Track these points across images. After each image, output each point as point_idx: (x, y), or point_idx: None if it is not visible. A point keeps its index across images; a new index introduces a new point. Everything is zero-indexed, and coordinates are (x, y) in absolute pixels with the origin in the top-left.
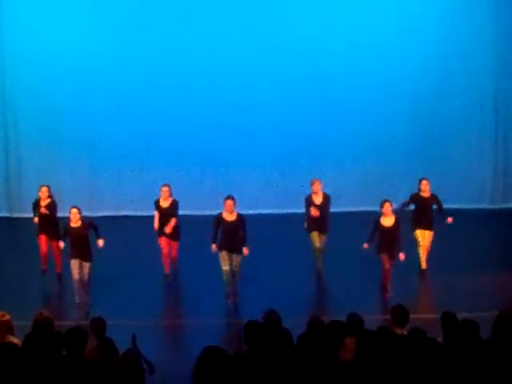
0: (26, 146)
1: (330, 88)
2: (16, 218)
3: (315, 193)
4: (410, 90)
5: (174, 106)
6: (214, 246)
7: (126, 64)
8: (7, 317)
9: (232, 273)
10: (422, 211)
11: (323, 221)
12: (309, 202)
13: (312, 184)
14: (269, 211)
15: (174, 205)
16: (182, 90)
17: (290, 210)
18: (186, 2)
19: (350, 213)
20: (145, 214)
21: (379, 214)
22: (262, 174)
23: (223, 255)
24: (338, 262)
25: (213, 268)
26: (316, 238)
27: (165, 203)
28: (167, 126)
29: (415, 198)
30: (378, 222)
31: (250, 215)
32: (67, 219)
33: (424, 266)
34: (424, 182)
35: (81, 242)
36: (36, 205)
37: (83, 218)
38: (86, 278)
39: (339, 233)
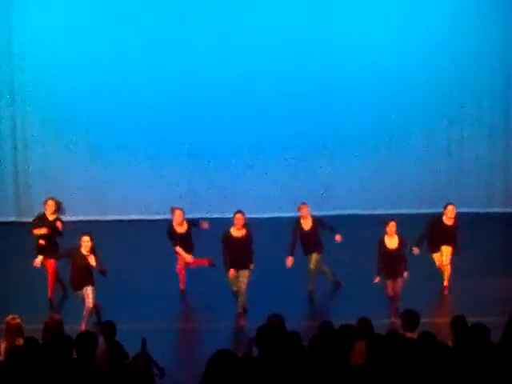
0: (35, 150)
1: (335, 88)
2: (24, 223)
3: (303, 217)
4: (418, 93)
5: (184, 114)
6: (231, 271)
7: (135, 76)
8: (17, 320)
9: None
10: (443, 236)
11: (315, 242)
12: (297, 228)
13: (299, 209)
14: (277, 214)
15: (190, 228)
16: (188, 96)
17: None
18: None
19: (357, 215)
20: (158, 217)
21: (383, 234)
22: (267, 177)
23: (231, 273)
24: (346, 266)
25: (223, 272)
26: (310, 260)
27: (180, 228)
28: (176, 132)
29: (437, 223)
30: (381, 243)
31: (257, 219)
32: (77, 244)
33: (446, 282)
34: (450, 208)
35: (84, 271)
36: (40, 219)
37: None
38: (89, 302)
39: (347, 236)
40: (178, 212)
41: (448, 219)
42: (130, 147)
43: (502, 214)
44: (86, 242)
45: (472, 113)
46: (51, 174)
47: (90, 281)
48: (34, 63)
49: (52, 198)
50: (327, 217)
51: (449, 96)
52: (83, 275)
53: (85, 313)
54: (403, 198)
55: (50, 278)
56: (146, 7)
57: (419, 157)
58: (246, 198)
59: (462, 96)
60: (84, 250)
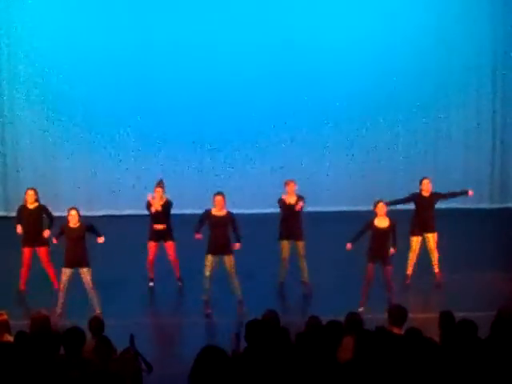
0: (24, 144)
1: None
2: (13, 217)
3: (289, 194)
4: (407, 87)
5: (177, 109)
6: (198, 235)
7: (130, 68)
8: (4, 316)
9: (229, 277)
10: (422, 212)
11: (297, 226)
12: (281, 204)
13: (286, 185)
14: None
15: (168, 205)
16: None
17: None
18: None
19: (346, 212)
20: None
21: (373, 215)
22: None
23: (208, 259)
24: (334, 262)
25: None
26: (285, 248)
27: (158, 204)
28: (165, 126)
29: (416, 197)
30: (371, 223)
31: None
32: (65, 219)
33: (410, 271)
34: (425, 182)
35: (79, 244)
36: (21, 210)
37: (82, 220)
38: (89, 286)
39: (336, 231)
40: (158, 189)
41: (425, 192)
42: (118, 141)
43: (489, 209)
44: (72, 216)
45: (458, 108)
46: (41, 169)
47: (84, 261)
48: (26, 54)
49: (32, 188)
50: (316, 213)
51: (434, 93)
52: (76, 251)
53: (59, 297)
54: (390, 195)
55: (49, 269)
56: None
57: (406, 153)
58: (237, 194)
59: (448, 92)
60: (71, 224)
